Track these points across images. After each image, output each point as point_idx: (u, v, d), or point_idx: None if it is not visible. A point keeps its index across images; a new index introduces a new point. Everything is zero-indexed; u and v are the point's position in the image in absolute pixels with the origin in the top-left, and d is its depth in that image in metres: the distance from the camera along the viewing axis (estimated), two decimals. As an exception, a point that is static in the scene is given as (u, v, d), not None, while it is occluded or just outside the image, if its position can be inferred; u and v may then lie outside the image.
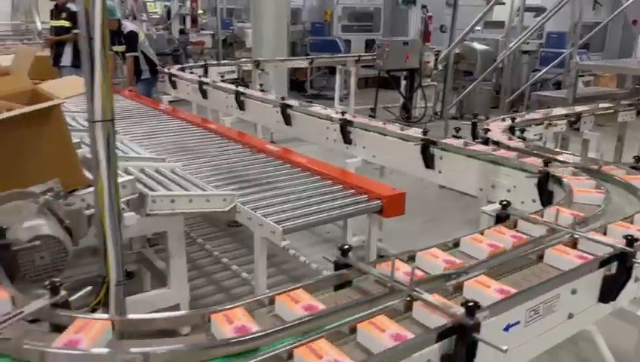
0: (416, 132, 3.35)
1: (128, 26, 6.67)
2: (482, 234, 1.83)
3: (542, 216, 1.98)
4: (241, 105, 4.78)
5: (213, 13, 14.16)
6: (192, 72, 6.40)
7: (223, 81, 6.11)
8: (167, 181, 2.74)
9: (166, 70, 6.46)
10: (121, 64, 6.98)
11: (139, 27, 7.25)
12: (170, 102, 6.24)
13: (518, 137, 3.47)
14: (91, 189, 2.28)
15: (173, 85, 6.15)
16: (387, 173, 3.94)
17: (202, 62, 7.78)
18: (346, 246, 1.55)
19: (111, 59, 7.38)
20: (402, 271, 1.53)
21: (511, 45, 8.30)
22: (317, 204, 2.71)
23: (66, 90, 2.71)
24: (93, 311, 1.71)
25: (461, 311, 1.25)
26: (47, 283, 1.30)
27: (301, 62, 9.17)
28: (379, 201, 2.73)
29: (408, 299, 1.36)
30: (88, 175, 2.38)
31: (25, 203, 1.76)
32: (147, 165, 2.98)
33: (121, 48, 6.68)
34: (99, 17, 1.48)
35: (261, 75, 7.87)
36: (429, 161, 3.18)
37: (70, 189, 2.25)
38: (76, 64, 7.52)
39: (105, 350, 1.22)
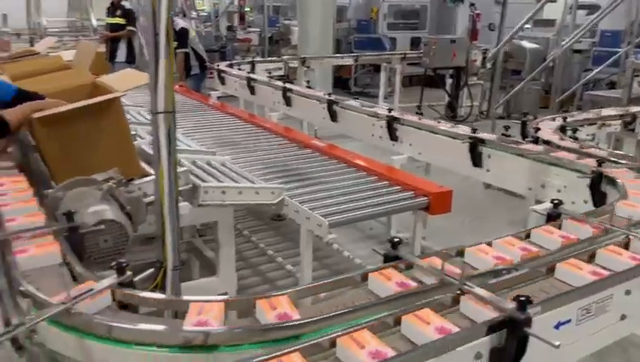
0: (464, 130, 3.33)
1: (179, 23, 6.85)
2: (490, 245, 1.74)
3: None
4: (287, 102, 4.85)
5: (260, 11, 14.39)
6: (239, 69, 6.53)
7: (269, 77, 6.22)
8: (218, 173, 2.82)
9: (215, 66, 6.61)
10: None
11: (189, 24, 7.43)
12: (219, 97, 6.40)
13: (570, 137, 3.40)
14: (147, 179, 2.40)
15: (222, 81, 6.29)
16: (433, 171, 3.93)
17: (249, 59, 7.92)
18: (397, 239, 1.58)
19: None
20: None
21: (563, 43, 8.08)
22: (363, 200, 2.74)
23: (125, 84, 2.82)
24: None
25: (512, 305, 1.26)
26: (114, 263, 1.38)
27: (347, 60, 9.20)
28: (425, 198, 2.73)
29: (459, 292, 1.38)
30: (144, 166, 2.49)
31: (89, 189, 1.86)
32: (198, 158, 3.07)
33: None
34: (164, 14, 1.55)
35: (307, 72, 7.95)
36: (477, 160, 3.16)
37: (127, 179, 2.36)
38: (130, 60, 7.79)
39: (162, 327, 1.29)
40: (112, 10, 8.12)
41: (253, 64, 7.09)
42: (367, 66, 11.74)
